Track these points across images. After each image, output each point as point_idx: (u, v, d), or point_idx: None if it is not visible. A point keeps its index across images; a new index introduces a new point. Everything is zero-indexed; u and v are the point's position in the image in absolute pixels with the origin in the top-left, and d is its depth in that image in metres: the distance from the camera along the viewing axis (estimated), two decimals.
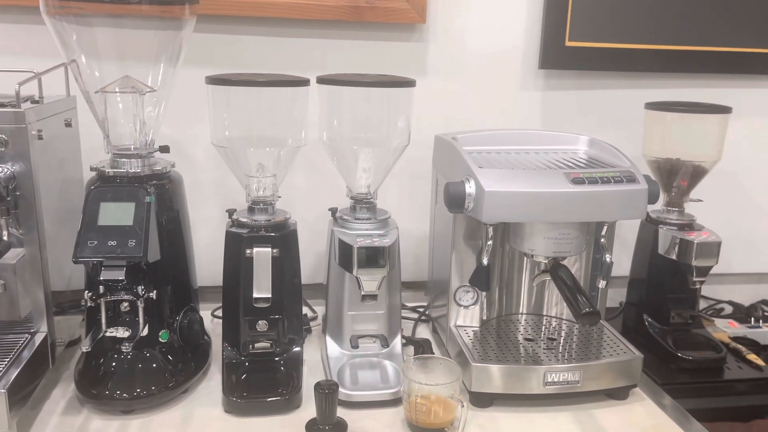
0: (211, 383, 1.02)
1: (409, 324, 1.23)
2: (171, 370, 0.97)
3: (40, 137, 0.90)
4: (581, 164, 1.01)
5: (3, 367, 0.84)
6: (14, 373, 0.83)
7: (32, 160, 0.88)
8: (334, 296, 1.04)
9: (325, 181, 1.28)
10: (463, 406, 0.88)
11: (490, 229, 0.97)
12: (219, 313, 1.26)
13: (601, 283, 1.01)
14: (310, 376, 1.03)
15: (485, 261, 0.97)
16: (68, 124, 1.04)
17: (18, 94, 0.87)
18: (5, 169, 0.86)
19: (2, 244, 0.85)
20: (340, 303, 1.04)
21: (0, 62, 1.14)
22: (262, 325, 1.00)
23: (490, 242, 0.98)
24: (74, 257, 0.87)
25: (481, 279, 0.98)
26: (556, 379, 0.95)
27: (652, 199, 0.96)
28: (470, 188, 0.92)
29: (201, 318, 1.02)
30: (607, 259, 0.99)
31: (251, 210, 1.02)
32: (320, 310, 1.25)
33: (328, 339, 1.05)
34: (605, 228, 0.99)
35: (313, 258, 1.31)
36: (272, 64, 1.25)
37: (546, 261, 0.98)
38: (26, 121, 0.87)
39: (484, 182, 0.91)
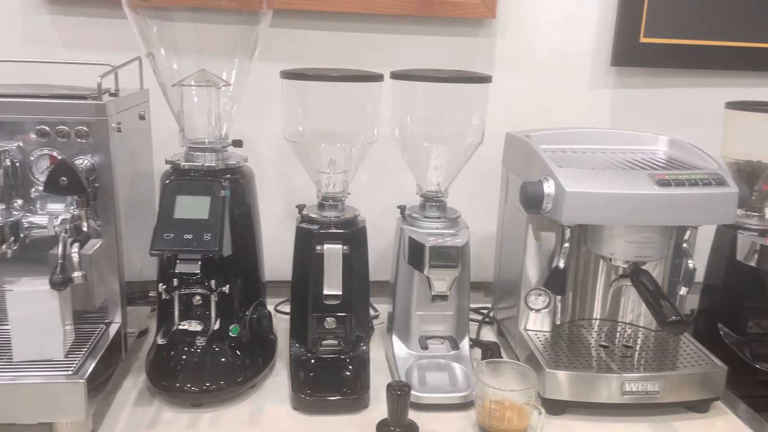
0: (278, 379, 1.02)
1: (472, 325, 1.20)
2: (239, 365, 0.96)
3: (119, 130, 0.91)
4: (662, 165, 0.97)
5: (81, 357, 0.85)
6: (92, 364, 0.83)
7: (112, 152, 0.89)
8: (402, 295, 1.02)
9: (386, 177, 1.26)
10: (540, 413, 0.85)
11: (567, 231, 0.94)
12: (282, 308, 1.26)
13: (683, 290, 0.96)
14: (375, 375, 1.01)
15: (561, 264, 0.94)
16: (142, 117, 1.05)
17: (100, 87, 0.88)
18: (86, 161, 0.87)
19: (82, 235, 0.86)
20: (408, 303, 1.02)
21: (70, 55, 1.17)
22: (330, 322, 0.99)
23: (566, 245, 0.94)
24: (151, 250, 0.88)
25: (556, 283, 0.95)
26: (634, 389, 0.91)
27: (742, 203, 0.91)
28: (549, 188, 0.89)
29: (270, 313, 1.02)
30: (690, 265, 0.95)
31: (321, 206, 1.01)
32: (381, 308, 1.24)
33: (395, 339, 1.04)
34: (688, 232, 0.95)
35: (373, 255, 1.29)
36: (336, 59, 1.23)
37: (625, 266, 0.94)
38: (107, 114, 0.88)
39: (565, 182, 0.88)
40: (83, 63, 0.97)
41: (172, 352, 0.95)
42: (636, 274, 0.91)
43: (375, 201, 1.24)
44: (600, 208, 0.88)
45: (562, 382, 0.92)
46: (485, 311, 1.25)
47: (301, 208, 1.02)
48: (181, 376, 0.93)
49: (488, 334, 1.19)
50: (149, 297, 1.11)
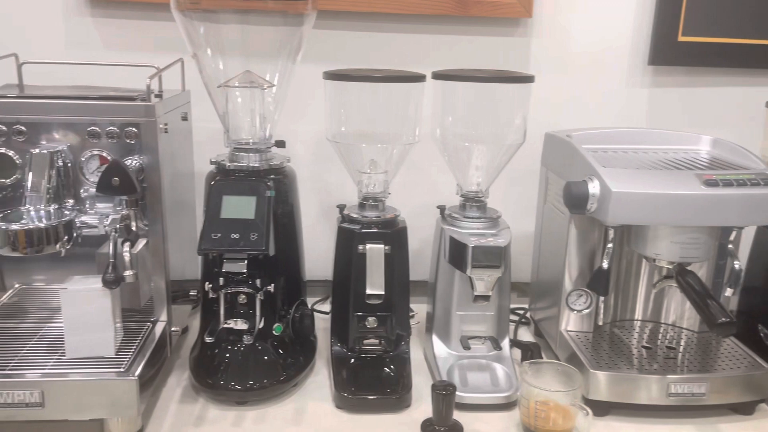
0: (318, 378, 1.02)
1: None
2: (282, 363, 0.97)
3: (165, 131, 0.92)
4: (707, 165, 0.96)
5: (130, 355, 0.86)
6: (142, 361, 0.85)
7: (159, 152, 0.90)
8: (442, 295, 1.03)
9: (418, 177, 1.27)
10: (587, 414, 0.84)
11: (611, 232, 0.94)
12: (319, 307, 1.27)
13: (728, 291, 0.95)
14: (415, 375, 1.02)
15: (605, 265, 0.94)
16: (184, 118, 1.06)
17: (149, 88, 0.89)
18: (135, 162, 0.89)
19: (132, 235, 0.87)
20: (448, 303, 1.02)
21: (110, 57, 1.18)
22: (371, 321, 0.99)
23: (610, 245, 0.94)
24: (199, 249, 0.89)
25: (600, 283, 0.94)
26: (680, 391, 0.90)
27: None
28: (594, 188, 0.89)
29: (312, 312, 1.03)
30: (737, 266, 0.94)
31: (362, 206, 1.01)
32: (416, 307, 1.24)
33: (435, 339, 1.04)
34: (734, 233, 0.94)
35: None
36: (371, 59, 1.24)
37: (670, 266, 0.93)
38: (156, 115, 0.89)
39: (611, 182, 0.87)
40: (129, 65, 0.99)
41: (216, 350, 0.96)
42: (682, 274, 0.91)
43: (407, 200, 1.24)
44: (646, 208, 0.87)
45: (607, 383, 0.91)
46: (521, 312, 1.24)
47: (341, 208, 1.03)
48: (225, 373, 0.94)
49: (524, 335, 1.19)
50: (189, 296, 1.13)
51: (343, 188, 1.27)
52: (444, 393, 0.86)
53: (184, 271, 1.08)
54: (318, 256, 1.18)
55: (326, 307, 1.23)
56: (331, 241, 1.20)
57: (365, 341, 1.00)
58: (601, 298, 0.98)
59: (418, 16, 1.22)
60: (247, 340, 0.90)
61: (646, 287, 1.05)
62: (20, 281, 1.01)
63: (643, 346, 1.00)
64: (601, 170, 0.89)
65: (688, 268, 0.93)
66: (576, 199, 0.90)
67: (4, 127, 0.87)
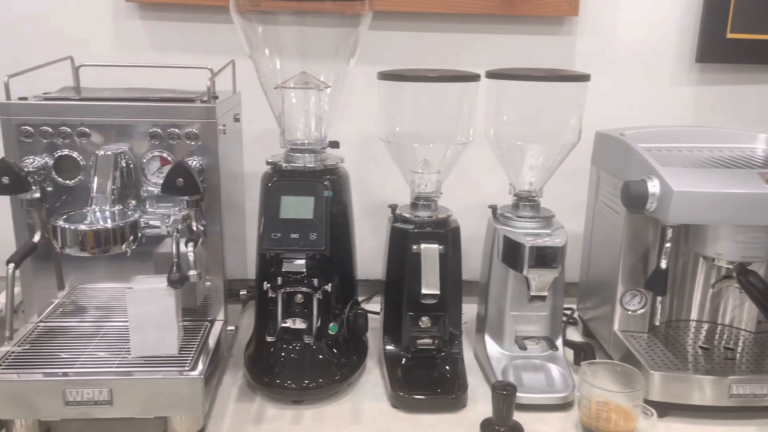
0: (371, 377, 1.03)
1: None
2: (336, 363, 0.98)
3: (223, 132, 0.93)
4: (764, 163, 0.95)
5: (193, 354, 0.87)
6: (206, 360, 0.86)
7: (219, 153, 0.91)
8: (495, 295, 1.02)
9: (461, 176, 1.26)
10: (651, 415, 0.84)
11: (670, 231, 0.93)
12: (364, 306, 1.27)
13: None
14: (467, 375, 1.02)
15: (663, 264, 0.93)
16: (236, 119, 1.07)
17: (209, 90, 0.90)
18: (196, 162, 0.89)
19: (194, 234, 0.88)
20: (501, 303, 1.02)
21: (159, 58, 1.19)
22: (425, 321, 0.99)
23: (668, 245, 0.93)
24: (259, 249, 0.90)
25: (658, 283, 0.93)
26: (741, 392, 0.89)
27: None
28: (653, 187, 0.88)
29: (366, 312, 1.03)
30: None
31: (414, 206, 1.02)
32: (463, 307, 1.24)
33: (487, 339, 1.04)
34: None
35: None
36: (416, 59, 1.24)
37: (730, 266, 0.92)
38: (216, 116, 0.90)
39: (672, 181, 0.87)
40: (183, 67, 1.00)
41: (272, 349, 0.97)
42: (743, 274, 0.90)
43: (449, 201, 1.24)
44: (708, 207, 0.86)
45: (666, 384, 0.91)
46: (568, 312, 1.24)
47: (393, 207, 1.03)
48: (281, 372, 0.94)
49: (572, 335, 1.19)
50: (239, 295, 1.14)
51: (384, 188, 1.27)
52: (505, 393, 0.86)
53: (235, 271, 1.08)
54: (360, 255, 1.19)
55: (370, 306, 1.24)
56: (373, 240, 1.21)
57: (419, 341, 1.00)
58: (658, 298, 0.97)
59: (464, 16, 1.22)
60: (307, 339, 0.90)
61: (702, 287, 1.04)
62: (78, 281, 1.02)
63: (701, 347, 0.99)
64: (661, 169, 0.89)
65: (749, 267, 0.92)
66: (635, 199, 0.89)
67: (68, 129, 0.88)
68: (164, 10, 1.19)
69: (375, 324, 1.07)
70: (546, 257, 0.93)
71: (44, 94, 0.94)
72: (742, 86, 1.29)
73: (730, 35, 1.24)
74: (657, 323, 0.99)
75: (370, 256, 1.16)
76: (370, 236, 1.25)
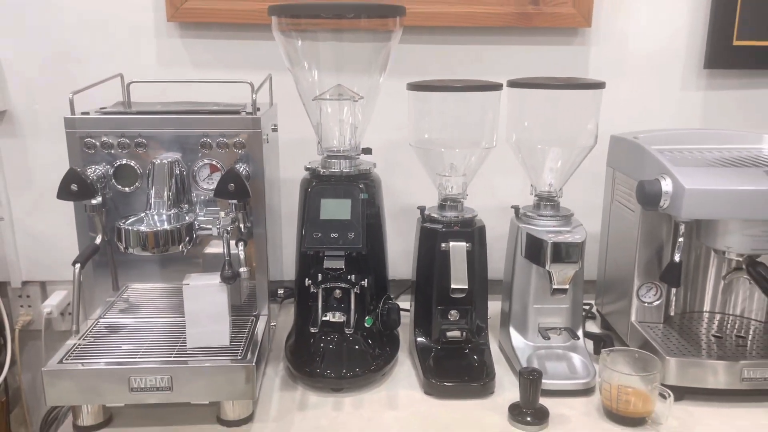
0: (403, 368, 1.10)
1: None
2: (371, 353, 1.05)
3: (267, 140, 1.01)
4: None
5: (243, 345, 0.95)
6: (256, 351, 0.93)
7: (264, 160, 0.99)
8: (519, 290, 1.09)
9: (481, 180, 1.32)
10: (668, 396, 0.90)
11: (683, 226, 0.99)
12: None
13: None
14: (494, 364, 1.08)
15: (677, 258, 1.00)
16: (274, 129, 1.15)
17: (254, 103, 0.98)
18: (243, 169, 0.97)
19: (244, 235, 0.96)
20: (525, 297, 1.09)
21: (198, 74, 1.28)
22: (454, 314, 1.06)
23: (681, 239, 1.00)
24: (301, 248, 0.97)
25: (673, 275, 1.00)
26: (753, 375, 0.96)
27: None
28: (666, 186, 0.95)
29: (398, 307, 1.10)
30: None
31: (441, 207, 1.09)
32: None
33: (512, 331, 1.10)
34: None
35: None
36: (434, 71, 1.30)
37: (740, 258, 0.99)
38: (261, 126, 0.98)
39: (684, 180, 0.93)
40: (226, 81, 1.08)
41: (312, 341, 1.04)
42: (753, 266, 0.96)
43: (470, 202, 1.31)
44: (718, 203, 0.93)
45: (682, 369, 0.97)
46: (586, 307, 1.30)
47: (422, 209, 1.10)
48: (321, 362, 1.02)
49: (591, 328, 1.25)
50: (277, 294, 1.21)
51: (408, 192, 1.34)
52: (531, 377, 0.93)
53: (272, 272, 1.16)
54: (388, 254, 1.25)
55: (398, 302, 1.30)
56: (399, 240, 1.28)
57: (448, 333, 1.07)
58: (672, 290, 1.04)
59: (484, 29, 1.29)
60: (348, 331, 0.98)
61: (714, 279, 1.10)
62: (128, 281, 1.10)
63: (713, 335, 1.05)
64: (674, 169, 0.95)
65: (758, 259, 0.98)
66: (649, 197, 0.96)
67: (127, 140, 0.96)
68: (202, 29, 1.27)
69: (403, 320, 1.14)
70: (567, 252, 1.00)
71: (101, 108, 1.02)
72: (748, 90, 1.35)
73: (736, 42, 1.31)
74: (672, 314, 1.05)
75: (395, 257, 1.23)
76: (396, 236, 1.32)
